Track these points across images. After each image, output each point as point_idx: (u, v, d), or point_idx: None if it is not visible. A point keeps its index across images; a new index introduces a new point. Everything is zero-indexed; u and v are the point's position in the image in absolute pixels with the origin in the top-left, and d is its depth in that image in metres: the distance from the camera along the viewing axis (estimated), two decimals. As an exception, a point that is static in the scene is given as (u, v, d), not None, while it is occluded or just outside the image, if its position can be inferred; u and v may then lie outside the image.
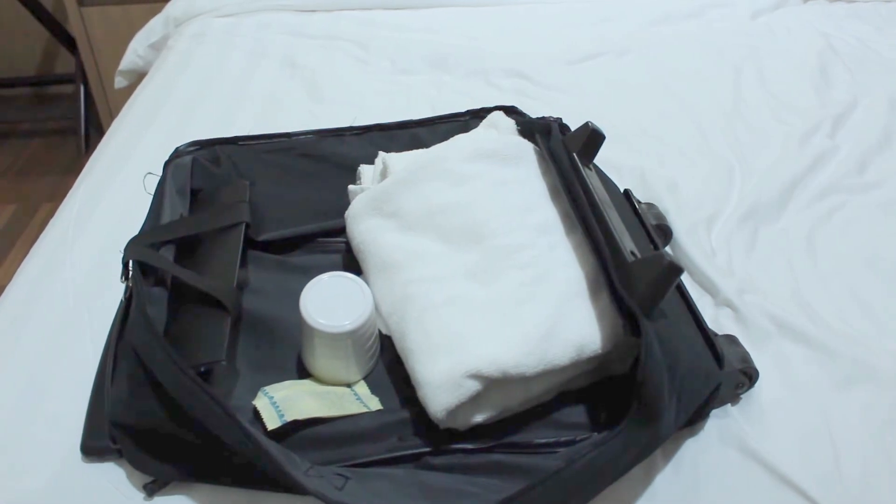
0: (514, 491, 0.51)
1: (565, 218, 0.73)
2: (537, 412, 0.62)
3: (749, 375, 0.65)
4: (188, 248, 0.76)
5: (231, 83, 1.20)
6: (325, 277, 0.66)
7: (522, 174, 0.77)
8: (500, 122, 0.85)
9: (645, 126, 1.06)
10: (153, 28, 1.47)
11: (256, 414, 0.60)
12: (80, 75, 2.09)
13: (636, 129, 1.05)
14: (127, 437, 0.59)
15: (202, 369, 0.62)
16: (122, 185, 0.93)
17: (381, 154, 0.81)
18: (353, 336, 0.63)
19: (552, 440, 0.61)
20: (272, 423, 0.58)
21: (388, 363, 0.68)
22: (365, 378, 0.67)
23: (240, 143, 0.92)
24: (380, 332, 0.68)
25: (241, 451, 0.54)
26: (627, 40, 1.31)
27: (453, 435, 0.60)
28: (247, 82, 1.20)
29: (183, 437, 0.57)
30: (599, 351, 0.61)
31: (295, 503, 0.56)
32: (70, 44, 2.12)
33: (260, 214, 0.82)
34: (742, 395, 0.66)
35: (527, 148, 0.80)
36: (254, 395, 0.62)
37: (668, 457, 0.61)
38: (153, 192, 0.81)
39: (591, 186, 0.70)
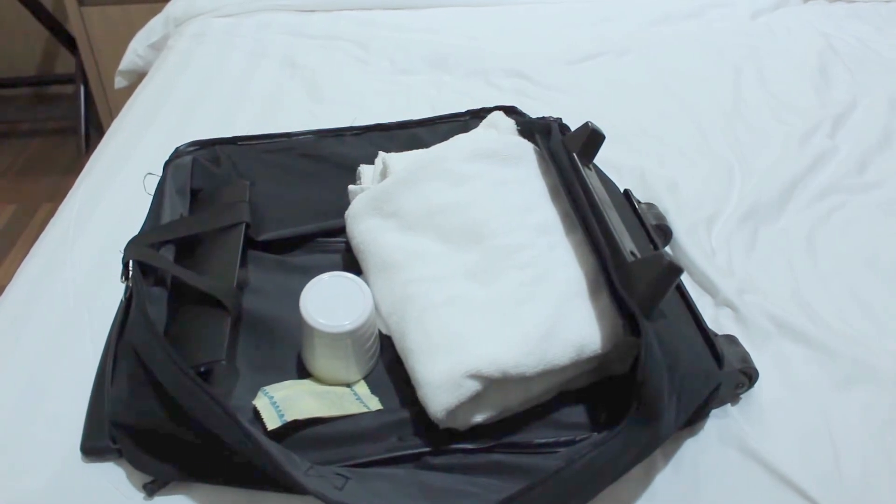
0: (514, 491, 0.51)
1: (565, 218, 0.73)
2: (537, 412, 0.62)
3: (749, 375, 0.65)
4: (188, 248, 0.76)
5: (231, 83, 1.20)
6: (325, 277, 0.66)
7: (522, 174, 0.77)
8: (500, 122, 0.85)
9: (645, 126, 1.06)
10: (153, 28, 1.47)
11: (256, 414, 0.60)
12: (80, 75, 2.09)
13: (636, 129, 1.05)
14: (127, 437, 0.59)
15: (202, 369, 0.62)
16: (122, 185, 0.93)
17: (381, 154, 0.81)
18: (353, 336, 0.63)
19: (552, 440, 0.61)
20: (272, 422, 0.58)
21: (388, 363, 0.68)
22: (365, 378, 0.67)
23: (240, 143, 0.93)
24: (380, 332, 0.68)
25: (241, 451, 0.54)
26: (627, 40, 1.31)
27: (453, 435, 0.60)
28: (247, 82, 1.20)
29: (183, 436, 0.57)
30: (599, 351, 0.61)
31: (295, 503, 0.56)
32: (70, 44, 2.12)
33: (260, 214, 0.82)
34: (742, 395, 0.66)
35: (527, 148, 0.80)
36: (254, 395, 0.62)
37: (667, 457, 0.61)
38: (153, 192, 0.81)
39: (590, 186, 0.70)
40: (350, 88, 1.17)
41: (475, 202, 0.72)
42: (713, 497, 0.59)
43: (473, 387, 0.58)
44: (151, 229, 0.76)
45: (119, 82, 1.55)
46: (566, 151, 0.75)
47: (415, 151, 0.83)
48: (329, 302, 0.64)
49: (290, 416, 0.59)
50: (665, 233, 0.84)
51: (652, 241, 0.76)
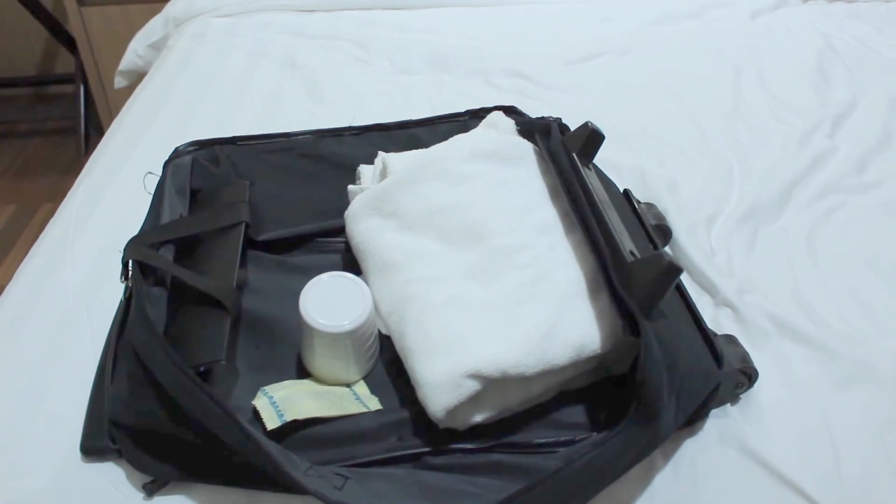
0: (513, 491, 0.51)
1: (565, 218, 0.73)
2: (537, 412, 0.62)
3: (748, 375, 0.65)
4: (188, 248, 0.76)
5: (231, 83, 1.20)
6: (325, 277, 0.66)
7: (522, 174, 0.77)
8: (499, 122, 0.85)
9: (645, 126, 1.06)
10: (153, 28, 1.47)
11: (256, 414, 0.60)
12: (80, 75, 2.09)
13: (636, 129, 1.05)
14: (126, 437, 0.59)
15: (202, 369, 0.62)
16: (122, 185, 0.93)
17: (381, 154, 0.81)
18: (353, 336, 0.63)
19: (552, 440, 0.61)
20: (272, 422, 0.58)
21: (387, 363, 0.68)
22: (364, 378, 0.67)
23: (239, 143, 0.93)
24: (379, 332, 0.68)
25: (241, 451, 0.54)
26: (627, 40, 1.31)
27: (453, 435, 0.60)
28: (247, 82, 1.20)
29: (182, 436, 0.57)
30: (599, 351, 0.61)
31: (295, 503, 0.56)
32: (70, 44, 2.12)
33: (259, 214, 0.82)
34: (741, 395, 0.66)
35: (526, 148, 0.80)
36: (253, 395, 0.62)
37: (667, 457, 0.61)
38: (153, 192, 0.81)
39: (590, 186, 0.70)
40: (350, 88, 1.17)
41: (475, 202, 0.72)
42: (712, 497, 0.59)
43: (473, 387, 0.58)
44: (151, 229, 0.76)
45: (119, 82, 1.55)
46: (566, 151, 0.75)
47: (414, 151, 0.83)
48: (328, 302, 0.64)
49: (289, 416, 0.59)
50: (665, 233, 0.84)
51: (652, 241, 0.76)
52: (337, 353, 0.64)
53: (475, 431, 0.60)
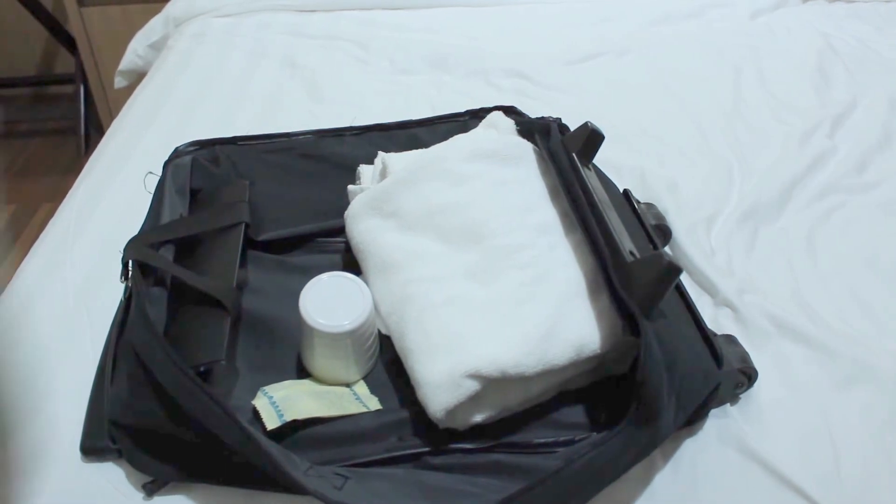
0: (513, 491, 0.51)
1: (565, 218, 0.73)
2: (536, 412, 0.62)
3: (748, 375, 0.65)
4: (188, 248, 0.76)
5: (231, 83, 1.20)
6: (325, 277, 0.66)
7: (522, 174, 0.77)
8: (499, 122, 0.85)
9: (645, 126, 1.06)
10: (153, 28, 1.47)
11: (256, 414, 0.60)
12: (80, 75, 2.09)
13: (636, 129, 1.05)
14: (126, 437, 0.59)
15: (202, 369, 0.62)
16: (122, 185, 0.93)
17: (381, 154, 0.81)
18: (353, 336, 0.63)
19: (551, 440, 0.61)
20: (272, 422, 0.58)
21: (387, 363, 0.68)
22: (364, 378, 0.67)
23: (239, 143, 0.93)
24: (379, 331, 0.68)
25: (241, 451, 0.54)
26: (627, 40, 1.31)
27: (453, 435, 0.60)
28: (247, 82, 1.20)
29: (182, 437, 0.57)
30: (598, 351, 0.61)
31: (295, 503, 0.56)
32: (70, 44, 2.12)
33: (259, 214, 0.82)
34: (741, 395, 0.66)
35: (526, 148, 0.80)
36: (253, 395, 0.62)
37: (667, 457, 0.61)
38: (153, 192, 0.81)
39: (590, 186, 0.70)
40: (350, 88, 1.17)
41: (475, 202, 0.72)
42: (712, 497, 0.59)
43: (473, 387, 0.58)
44: (151, 229, 0.76)
45: (119, 82, 1.55)
46: (566, 151, 0.75)
47: (414, 151, 0.83)
48: (328, 302, 0.64)
49: (289, 416, 0.59)
50: (664, 233, 0.84)
51: (651, 241, 0.76)
52: (337, 353, 0.64)
53: (475, 431, 0.60)
